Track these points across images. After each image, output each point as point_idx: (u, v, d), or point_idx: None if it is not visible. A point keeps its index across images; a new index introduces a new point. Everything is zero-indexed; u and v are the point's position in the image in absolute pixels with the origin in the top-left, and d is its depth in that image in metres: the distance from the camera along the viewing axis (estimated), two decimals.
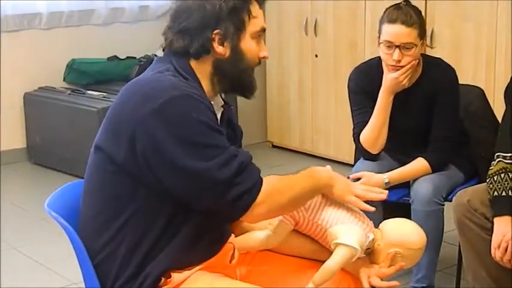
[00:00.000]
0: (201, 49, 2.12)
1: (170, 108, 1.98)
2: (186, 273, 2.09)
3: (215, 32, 2.11)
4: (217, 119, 2.11)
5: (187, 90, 2.02)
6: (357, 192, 2.22)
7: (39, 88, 5.83)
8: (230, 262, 2.22)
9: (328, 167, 2.28)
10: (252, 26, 2.15)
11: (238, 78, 2.17)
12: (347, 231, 2.18)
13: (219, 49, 2.13)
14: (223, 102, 2.25)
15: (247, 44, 2.15)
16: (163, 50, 2.20)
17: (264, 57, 2.20)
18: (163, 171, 2.00)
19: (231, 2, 2.11)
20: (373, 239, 2.23)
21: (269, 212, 2.07)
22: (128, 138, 2.01)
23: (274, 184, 2.08)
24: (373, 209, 2.23)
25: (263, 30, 2.19)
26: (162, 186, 2.02)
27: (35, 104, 5.76)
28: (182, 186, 2.00)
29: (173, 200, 2.04)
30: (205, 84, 2.15)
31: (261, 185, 2.03)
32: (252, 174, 2.03)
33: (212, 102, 2.13)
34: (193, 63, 2.14)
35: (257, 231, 2.29)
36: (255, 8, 2.16)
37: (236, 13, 2.12)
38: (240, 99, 5.26)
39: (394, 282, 2.26)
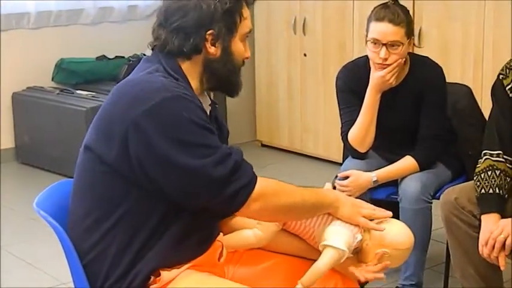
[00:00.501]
0: (194, 48, 2.12)
1: (162, 110, 1.98)
2: (175, 272, 2.09)
3: (209, 32, 2.11)
4: (208, 118, 2.12)
5: (178, 91, 2.02)
6: (364, 213, 2.24)
7: (28, 88, 5.82)
8: (218, 260, 2.23)
9: (328, 184, 2.31)
10: (242, 28, 2.16)
11: (227, 78, 2.18)
12: (335, 233, 2.19)
13: (211, 49, 2.13)
14: (210, 101, 2.25)
15: (237, 45, 2.16)
16: (152, 49, 2.20)
17: (246, 58, 2.21)
18: (157, 170, 2.00)
19: (225, 2, 2.11)
20: (361, 240, 2.24)
21: (263, 211, 2.08)
22: (120, 139, 2.00)
23: (273, 186, 2.10)
24: (382, 228, 2.24)
25: (250, 31, 2.20)
26: (155, 186, 2.01)
27: (24, 103, 5.75)
28: (177, 184, 2.00)
29: (166, 199, 2.03)
30: (194, 83, 2.15)
31: (256, 181, 2.05)
32: (247, 171, 2.05)
33: (201, 101, 2.14)
34: (182, 62, 2.14)
35: (246, 230, 2.29)
36: (245, 10, 2.17)
37: (230, 14, 2.13)
38: (229, 98, 5.26)
39: (380, 275, 2.26)
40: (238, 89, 2.23)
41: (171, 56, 2.14)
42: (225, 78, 2.18)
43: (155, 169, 2.00)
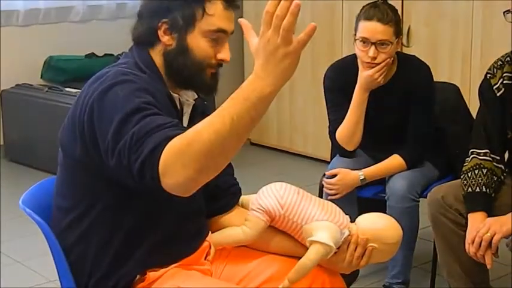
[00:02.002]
0: (148, 35, 2.11)
1: (108, 94, 1.94)
2: (161, 271, 2.10)
3: (163, 21, 2.09)
4: (177, 112, 2.12)
5: (129, 77, 2.00)
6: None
7: (17, 85, 5.80)
8: (205, 259, 2.23)
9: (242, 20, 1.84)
10: (205, 24, 2.08)
11: (187, 73, 2.11)
12: (322, 228, 2.19)
13: (164, 38, 2.10)
14: (196, 96, 2.22)
15: (196, 41, 2.09)
16: None
17: (222, 60, 2.12)
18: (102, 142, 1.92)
19: None
20: (348, 235, 2.24)
21: (185, 179, 1.72)
22: (79, 133, 2.00)
23: (173, 146, 1.74)
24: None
25: (222, 31, 2.10)
26: (112, 171, 1.92)
27: (12, 101, 5.73)
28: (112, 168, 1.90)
29: (140, 196, 2.00)
30: (166, 77, 2.13)
31: (159, 153, 1.74)
32: (148, 145, 1.78)
33: (176, 95, 2.14)
34: (152, 53, 2.13)
35: (234, 227, 2.29)
36: (213, 7, 2.08)
37: (188, 7, 2.08)
38: (219, 96, 5.27)
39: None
40: (205, 89, 2.16)
41: (142, 47, 2.14)
42: (186, 74, 2.11)
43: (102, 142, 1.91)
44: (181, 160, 1.72)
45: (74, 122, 2.03)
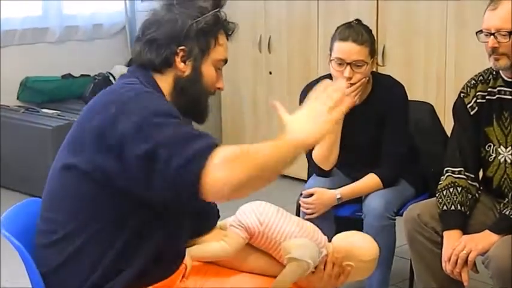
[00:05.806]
0: (164, 62, 2.14)
1: (132, 104, 1.98)
2: None
3: (180, 47, 2.14)
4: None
5: (148, 90, 2.07)
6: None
7: None
8: (181, 280, 2.23)
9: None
10: (216, 53, 2.18)
11: (195, 99, 2.19)
12: (300, 246, 2.21)
13: (181, 65, 2.15)
14: None
15: (208, 69, 2.18)
16: (128, 65, 2.22)
17: (219, 88, 2.23)
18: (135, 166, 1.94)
19: (202, 23, 2.13)
20: (326, 255, 2.26)
21: (230, 180, 1.84)
22: (116, 146, 1.96)
23: (231, 151, 1.88)
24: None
25: (225, 61, 2.22)
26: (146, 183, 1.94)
27: None
28: (139, 176, 1.93)
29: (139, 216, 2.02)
30: (170, 102, 2.14)
31: (211, 150, 1.86)
32: (202, 142, 1.89)
33: None
34: (157, 77, 2.16)
35: (212, 242, 2.30)
36: (222, 37, 2.20)
37: (204, 35, 2.15)
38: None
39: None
40: (205, 115, 2.24)
41: (146, 70, 2.16)
42: (193, 100, 2.18)
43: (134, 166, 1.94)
44: (240, 160, 1.85)
45: (99, 140, 1.99)
